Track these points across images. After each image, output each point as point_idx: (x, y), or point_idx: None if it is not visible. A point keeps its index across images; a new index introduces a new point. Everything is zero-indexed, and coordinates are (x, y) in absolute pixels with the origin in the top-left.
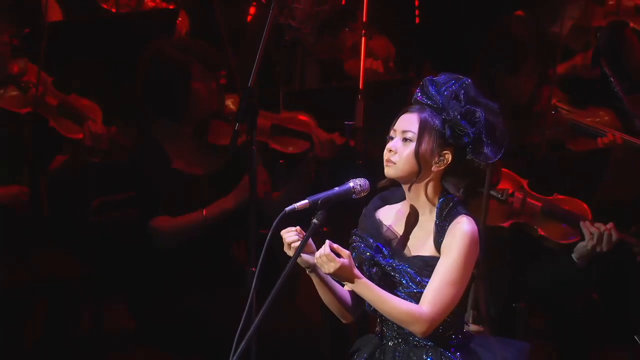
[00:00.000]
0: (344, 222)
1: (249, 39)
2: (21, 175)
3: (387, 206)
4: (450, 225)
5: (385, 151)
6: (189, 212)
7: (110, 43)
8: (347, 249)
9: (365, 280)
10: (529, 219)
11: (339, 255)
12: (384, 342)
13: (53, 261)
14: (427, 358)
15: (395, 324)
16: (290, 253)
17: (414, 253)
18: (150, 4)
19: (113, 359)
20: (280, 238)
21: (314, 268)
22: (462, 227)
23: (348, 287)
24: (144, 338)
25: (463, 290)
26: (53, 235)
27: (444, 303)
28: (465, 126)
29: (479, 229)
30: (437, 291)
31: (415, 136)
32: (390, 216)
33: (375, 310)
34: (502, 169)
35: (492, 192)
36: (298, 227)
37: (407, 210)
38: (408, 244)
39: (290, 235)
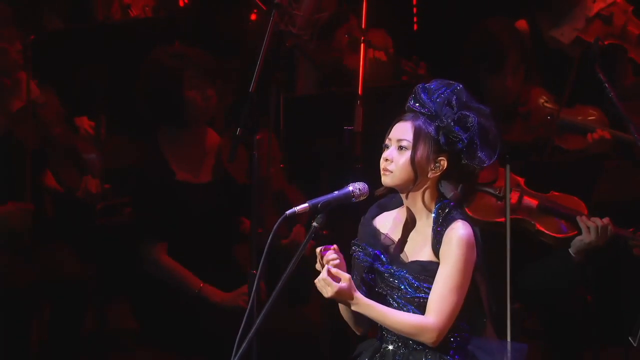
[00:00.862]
0: (344, 225)
1: (250, 46)
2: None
3: (384, 213)
4: (447, 231)
5: (382, 160)
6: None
7: (111, 51)
8: (349, 253)
9: (366, 301)
10: (527, 215)
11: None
12: (384, 345)
13: (58, 262)
14: None
15: None
16: (321, 269)
17: (411, 258)
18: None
19: (116, 359)
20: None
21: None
22: (458, 232)
23: (353, 308)
24: (147, 338)
25: (465, 295)
26: (58, 237)
27: (449, 310)
28: (459, 132)
29: (474, 232)
30: (441, 299)
31: (411, 144)
32: (388, 223)
33: None
34: (499, 168)
35: (489, 189)
36: (335, 246)
37: (404, 216)
38: (406, 249)
39: (329, 254)
